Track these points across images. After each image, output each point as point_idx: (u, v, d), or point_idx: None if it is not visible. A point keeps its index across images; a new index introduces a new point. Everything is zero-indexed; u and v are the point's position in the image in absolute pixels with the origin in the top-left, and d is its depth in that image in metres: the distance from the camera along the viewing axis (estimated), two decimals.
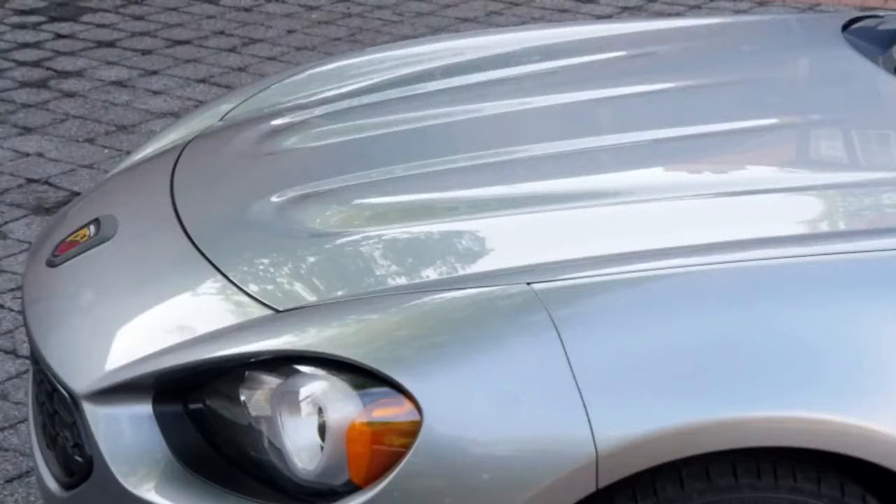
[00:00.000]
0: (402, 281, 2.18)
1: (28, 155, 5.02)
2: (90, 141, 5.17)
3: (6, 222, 4.47)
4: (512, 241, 2.26)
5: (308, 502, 1.98)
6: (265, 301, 2.17)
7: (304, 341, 2.03)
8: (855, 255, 2.07)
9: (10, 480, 3.18)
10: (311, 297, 2.17)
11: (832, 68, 2.99)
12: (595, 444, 1.86)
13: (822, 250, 2.08)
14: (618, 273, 2.04)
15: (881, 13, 3.39)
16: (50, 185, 4.77)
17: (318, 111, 3.02)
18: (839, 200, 2.32)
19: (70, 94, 5.64)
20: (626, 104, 2.86)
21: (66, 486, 2.21)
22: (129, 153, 3.92)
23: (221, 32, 6.50)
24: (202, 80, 5.83)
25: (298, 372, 2.00)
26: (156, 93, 5.68)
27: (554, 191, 2.41)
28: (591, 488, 1.89)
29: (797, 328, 1.95)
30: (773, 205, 2.28)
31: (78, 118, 5.39)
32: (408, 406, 1.90)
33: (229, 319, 2.16)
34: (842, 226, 2.26)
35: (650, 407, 1.88)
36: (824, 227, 2.26)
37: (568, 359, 1.90)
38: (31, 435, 2.42)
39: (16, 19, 6.64)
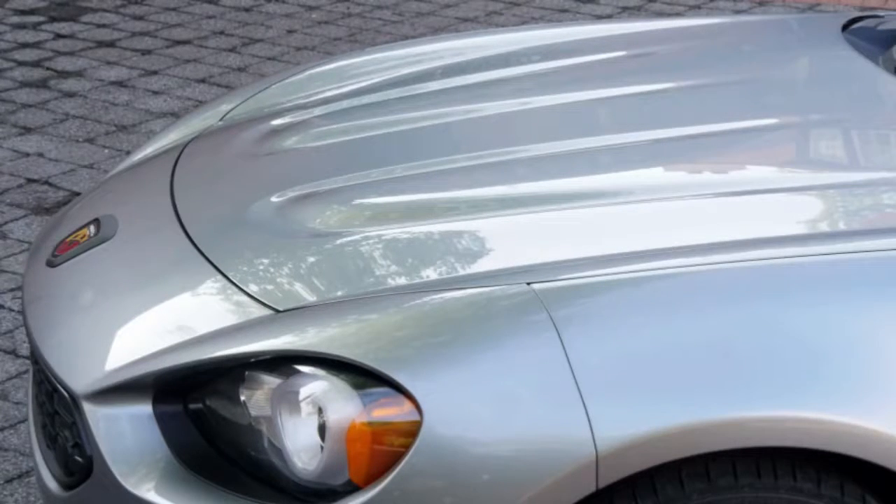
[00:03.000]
0: (402, 281, 2.18)
1: (28, 155, 5.02)
2: (90, 141, 5.17)
3: (6, 222, 4.47)
4: (512, 241, 2.25)
5: (308, 502, 1.98)
6: (265, 301, 2.17)
7: (304, 341, 2.03)
8: (855, 255, 2.07)
9: (10, 480, 3.17)
10: (311, 297, 2.17)
11: (832, 68, 2.99)
12: (595, 444, 1.86)
13: (823, 250, 2.08)
14: (618, 273, 2.04)
15: (881, 13, 3.39)
16: (50, 185, 4.77)
17: (318, 111, 3.02)
18: (839, 200, 2.32)
19: (70, 94, 5.64)
20: (626, 104, 2.85)
21: (66, 486, 2.21)
22: (129, 153, 3.92)
23: (221, 32, 6.50)
24: (202, 80, 5.83)
25: (298, 372, 2.00)
26: (156, 93, 5.68)
27: (554, 191, 2.41)
28: (591, 488, 1.89)
29: (797, 328, 1.95)
30: (774, 205, 2.28)
31: (78, 118, 5.39)
32: (408, 406, 1.90)
33: (229, 319, 2.16)
34: (842, 226, 2.26)
35: (650, 407, 1.88)
36: (824, 227, 2.25)
37: (568, 359, 1.90)
38: (31, 435, 2.42)
39: (16, 19, 6.64)
